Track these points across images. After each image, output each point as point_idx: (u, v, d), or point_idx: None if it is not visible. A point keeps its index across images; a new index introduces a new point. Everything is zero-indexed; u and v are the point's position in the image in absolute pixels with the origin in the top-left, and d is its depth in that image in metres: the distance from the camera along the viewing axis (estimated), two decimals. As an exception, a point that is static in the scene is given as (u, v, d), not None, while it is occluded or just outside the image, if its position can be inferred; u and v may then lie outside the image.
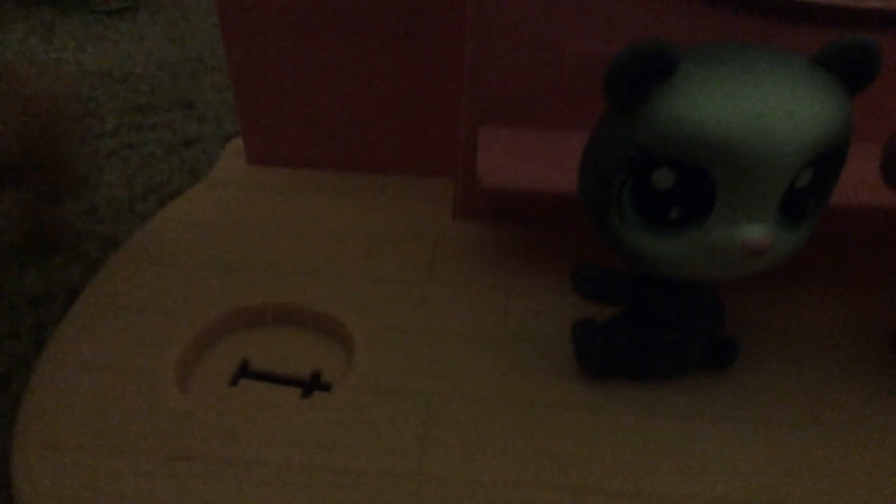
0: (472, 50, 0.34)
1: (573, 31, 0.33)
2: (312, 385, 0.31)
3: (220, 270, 0.35)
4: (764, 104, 0.22)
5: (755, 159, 0.22)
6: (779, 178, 0.23)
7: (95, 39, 0.75)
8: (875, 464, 0.27)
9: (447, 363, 0.30)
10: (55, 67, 0.69)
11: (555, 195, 0.32)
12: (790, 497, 0.26)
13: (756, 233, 0.24)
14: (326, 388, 0.30)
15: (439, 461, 0.27)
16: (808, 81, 0.23)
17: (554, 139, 0.35)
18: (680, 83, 0.23)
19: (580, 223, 0.29)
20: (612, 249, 0.26)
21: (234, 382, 0.31)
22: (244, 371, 0.31)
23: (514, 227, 0.39)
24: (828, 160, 0.24)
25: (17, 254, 0.44)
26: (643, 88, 0.23)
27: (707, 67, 0.23)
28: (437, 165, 0.42)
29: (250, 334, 0.33)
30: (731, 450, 0.27)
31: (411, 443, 0.27)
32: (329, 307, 0.33)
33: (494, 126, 0.35)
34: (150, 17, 0.81)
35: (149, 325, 0.32)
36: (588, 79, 0.34)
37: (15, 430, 0.28)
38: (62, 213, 0.43)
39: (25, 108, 0.35)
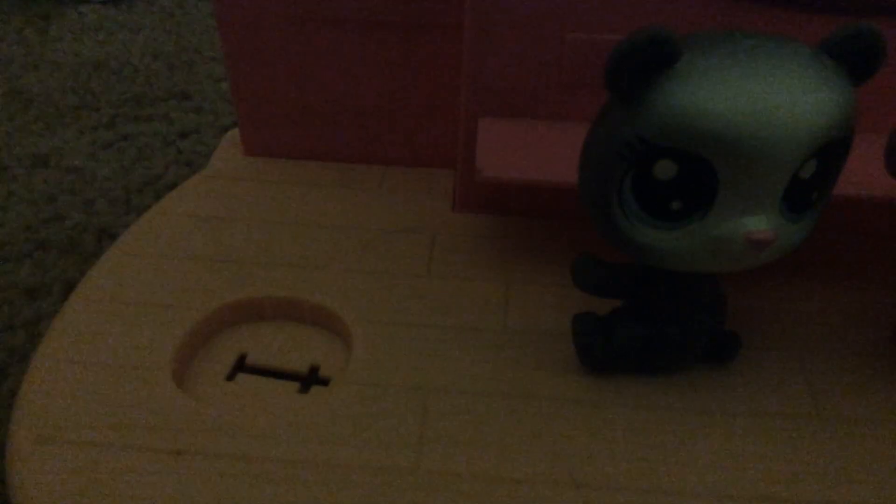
0: (472, 40, 0.33)
1: (573, 21, 0.33)
2: (310, 379, 0.30)
3: (217, 263, 0.35)
4: (767, 94, 0.22)
5: (758, 150, 0.22)
6: (782, 168, 0.23)
7: (91, 30, 0.75)
8: (878, 458, 0.27)
9: (446, 357, 0.30)
10: (51, 58, 0.68)
11: (556, 187, 0.32)
12: (792, 491, 0.26)
13: (759, 224, 0.24)
14: (324, 382, 0.30)
15: (438, 456, 0.26)
16: (812, 70, 0.22)
17: (555, 130, 0.34)
18: (682, 73, 0.23)
19: (581, 215, 0.29)
20: (613, 243, 0.26)
21: (231, 377, 0.30)
22: (241, 365, 0.31)
23: (515, 219, 0.38)
24: (832, 150, 0.24)
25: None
26: (644, 78, 0.23)
27: (710, 56, 0.23)
28: (436, 157, 0.42)
29: (247, 328, 0.33)
30: (733, 444, 0.27)
31: (410, 437, 0.27)
32: (327, 301, 0.32)
33: (494, 117, 0.35)
34: (147, 7, 0.80)
35: (145, 319, 0.32)
36: (589, 69, 0.33)
37: (10, 424, 0.27)
38: None
39: None
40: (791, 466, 0.26)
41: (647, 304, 0.29)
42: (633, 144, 0.23)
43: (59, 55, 0.69)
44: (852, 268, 0.36)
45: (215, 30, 0.73)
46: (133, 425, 0.27)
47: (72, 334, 0.31)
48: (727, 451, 0.27)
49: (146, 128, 0.58)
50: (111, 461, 0.26)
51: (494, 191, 0.38)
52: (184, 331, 0.31)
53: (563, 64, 0.34)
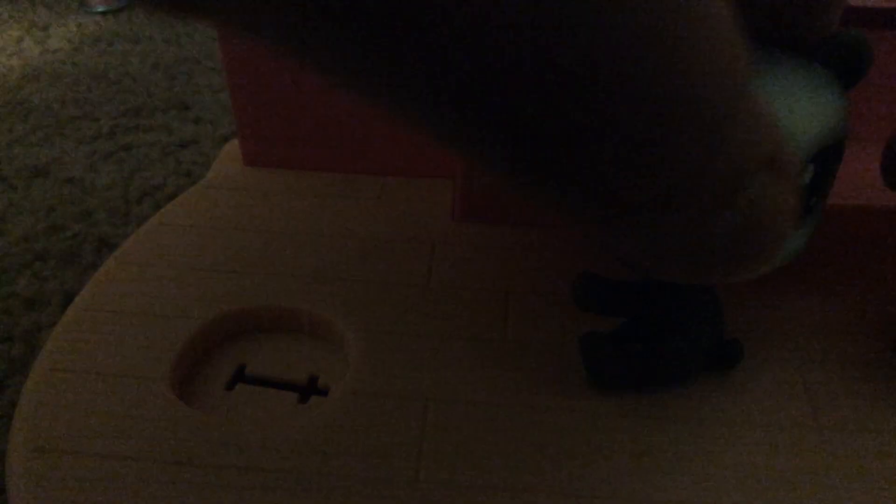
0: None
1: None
2: (309, 390, 0.30)
3: (216, 274, 0.35)
4: (765, 101, 0.22)
5: None
6: None
7: (91, 40, 0.75)
8: (878, 468, 0.27)
9: (446, 367, 0.30)
10: (50, 69, 0.69)
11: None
12: (791, 502, 0.26)
13: None
14: (323, 392, 0.30)
15: (437, 467, 0.26)
16: (805, 76, 0.23)
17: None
18: None
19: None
20: (613, 253, 0.26)
21: (230, 387, 0.30)
22: (241, 376, 0.31)
23: (514, 229, 0.38)
24: (828, 156, 0.24)
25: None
26: None
27: None
28: (435, 167, 0.42)
29: (247, 339, 0.33)
30: (732, 454, 0.27)
31: (409, 448, 0.27)
32: (326, 311, 0.32)
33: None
34: (146, 17, 0.81)
35: (144, 330, 0.32)
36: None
37: (10, 435, 0.27)
38: None
39: None
40: (790, 476, 0.26)
41: (651, 319, 0.29)
42: None
43: (58, 66, 0.69)
44: (851, 277, 0.36)
45: (214, 39, 0.73)
46: (132, 436, 0.27)
47: (71, 345, 0.31)
48: (727, 460, 0.27)
49: (145, 138, 0.58)
50: (110, 471, 0.26)
51: (494, 200, 0.38)
52: (183, 341, 0.31)
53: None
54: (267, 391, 0.30)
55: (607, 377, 0.29)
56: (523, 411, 0.29)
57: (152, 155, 0.55)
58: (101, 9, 0.81)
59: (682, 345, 0.28)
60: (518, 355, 0.31)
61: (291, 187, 0.41)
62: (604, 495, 0.26)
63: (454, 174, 0.39)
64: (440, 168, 0.42)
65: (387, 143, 0.42)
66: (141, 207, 0.49)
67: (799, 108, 0.22)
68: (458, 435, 0.28)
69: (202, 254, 0.36)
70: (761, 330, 0.32)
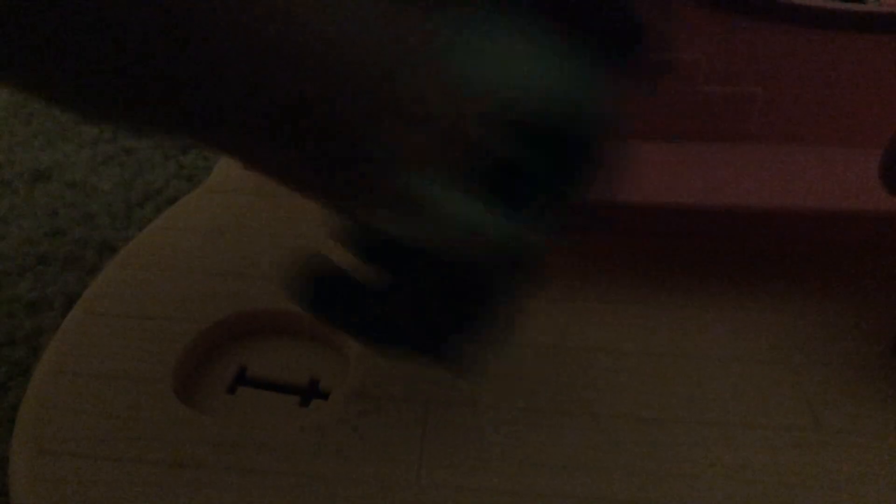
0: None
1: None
2: (310, 393, 0.30)
3: (218, 277, 0.35)
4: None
5: None
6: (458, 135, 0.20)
7: (93, 44, 0.75)
8: (877, 469, 0.27)
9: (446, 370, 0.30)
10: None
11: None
12: (790, 502, 0.26)
13: None
14: (325, 395, 0.30)
15: (439, 469, 0.27)
16: (521, 39, 0.20)
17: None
18: None
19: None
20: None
21: (231, 390, 0.30)
22: (242, 378, 0.31)
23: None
24: (543, 140, 0.21)
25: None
26: None
27: None
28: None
29: (248, 341, 0.33)
30: (732, 456, 0.27)
31: (410, 450, 0.27)
32: (327, 314, 0.33)
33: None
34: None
35: (146, 332, 0.32)
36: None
37: (12, 437, 0.28)
38: None
39: None
40: (789, 478, 0.27)
41: (402, 281, 0.25)
42: None
43: (61, 70, 0.69)
44: (850, 280, 0.36)
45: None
46: (135, 438, 0.27)
47: (73, 348, 0.31)
48: (727, 462, 0.27)
49: (147, 141, 0.58)
50: (113, 473, 0.26)
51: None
52: (185, 344, 0.31)
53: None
54: (268, 394, 0.30)
55: (320, 306, 0.26)
56: (523, 413, 0.29)
57: (154, 158, 0.55)
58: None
59: (415, 323, 0.25)
60: (519, 357, 0.31)
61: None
62: (603, 497, 0.26)
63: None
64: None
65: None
66: (143, 211, 0.49)
67: (484, 62, 0.20)
68: (459, 436, 0.28)
69: (204, 257, 0.36)
70: (759, 332, 0.33)
